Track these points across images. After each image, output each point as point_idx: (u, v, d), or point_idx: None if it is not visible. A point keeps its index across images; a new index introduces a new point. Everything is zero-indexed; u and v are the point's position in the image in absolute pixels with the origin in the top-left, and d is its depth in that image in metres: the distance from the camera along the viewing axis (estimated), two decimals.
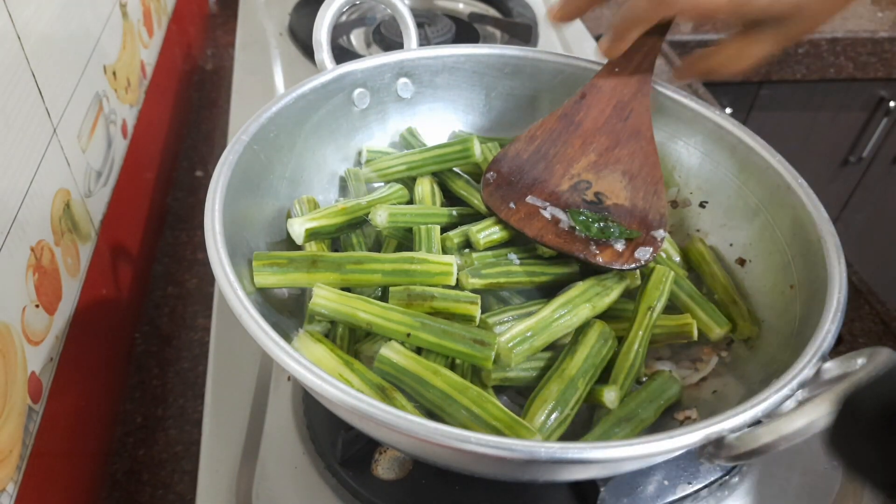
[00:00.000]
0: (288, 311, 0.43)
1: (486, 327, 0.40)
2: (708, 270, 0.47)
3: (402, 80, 0.53)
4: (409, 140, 0.54)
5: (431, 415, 0.36)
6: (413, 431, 0.28)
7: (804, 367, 0.33)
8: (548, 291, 0.44)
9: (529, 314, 0.41)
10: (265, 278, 0.40)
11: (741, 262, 0.47)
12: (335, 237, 0.47)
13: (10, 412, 0.38)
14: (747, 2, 0.40)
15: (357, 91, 0.51)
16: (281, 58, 0.79)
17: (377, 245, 0.49)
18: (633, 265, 0.42)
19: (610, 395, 0.39)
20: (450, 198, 0.51)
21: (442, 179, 0.52)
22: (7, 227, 0.39)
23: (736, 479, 0.41)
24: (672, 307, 0.45)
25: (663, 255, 0.48)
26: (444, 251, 0.45)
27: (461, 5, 0.91)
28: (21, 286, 0.41)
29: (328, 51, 0.51)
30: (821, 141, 1.16)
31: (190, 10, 0.95)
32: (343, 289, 0.41)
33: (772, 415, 0.31)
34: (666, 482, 0.40)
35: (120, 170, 0.61)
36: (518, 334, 0.39)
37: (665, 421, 0.40)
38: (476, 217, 0.48)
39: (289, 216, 0.46)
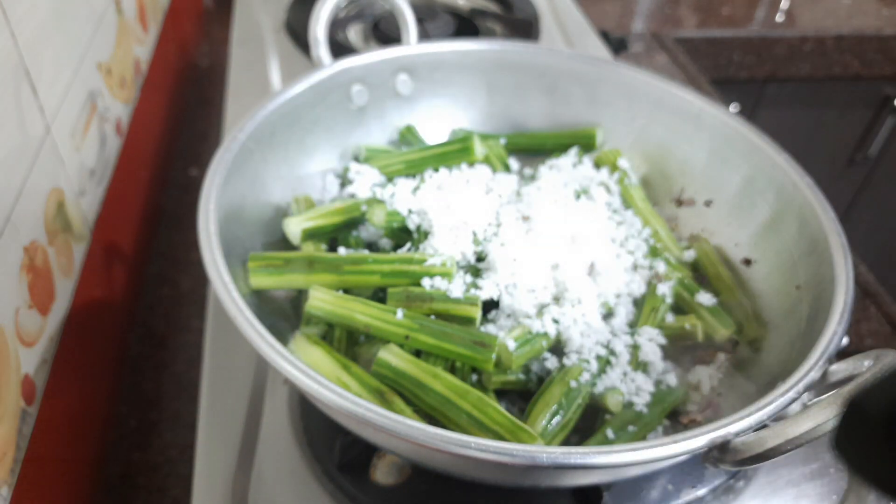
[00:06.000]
0: (284, 313, 0.42)
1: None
2: (713, 270, 0.46)
3: (402, 76, 0.53)
4: (408, 138, 0.54)
5: (431, 419, 0.35)
6: (412, 436, 0.28)
7: (810, 370, 0.32)
8: None
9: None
10: (261, 280, 0.39)
11: (747, 261, 0.46)
12: (332, 237, 0.46)
13: (4, 414, 0.38)
14: None
15: (355, 87, 0.51)
16: (277, 54, 0.78)
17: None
18: None
19: (613, 399, 0.38)
20: None
21: None
22: (0, 227, 0.39)
23: (741, 483, 0.40)
24: (677, 308, 0.44)
25: (668, 257, 0.47)
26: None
27: (461, 1, 0.90)
28: (14, 287, 0.40)
29: (325, 46, 0.50)
30: (827, 139, 1.15)
31: (185, 5, 0.94)
32: (341, 290, 0.40)
33: (778, 418, 0.30)
34: (670, 487, 0.39)
35: (114, 168, 0.60)
36: (520, 336, 0.38)
37: (669, 425, 0.39)
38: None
39: (285, 216, 0.46)
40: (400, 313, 0.38)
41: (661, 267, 0.45)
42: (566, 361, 0.39)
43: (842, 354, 0.34)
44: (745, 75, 1.04)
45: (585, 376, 0.38)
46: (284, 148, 0.46)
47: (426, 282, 0.41)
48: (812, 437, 0.28)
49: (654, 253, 0.47)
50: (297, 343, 0.38)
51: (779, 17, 1.05)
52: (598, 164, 0.53)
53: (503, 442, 0.28)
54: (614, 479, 0.37)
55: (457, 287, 0.41)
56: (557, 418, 0.36)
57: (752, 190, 0.46)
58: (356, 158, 0.53)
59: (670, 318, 0.44)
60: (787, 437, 0.28)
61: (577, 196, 0.49)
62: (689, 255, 0.48)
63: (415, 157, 0.51)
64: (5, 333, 0.38)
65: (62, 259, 0.47)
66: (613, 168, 0.52)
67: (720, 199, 0.49)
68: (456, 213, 0.46)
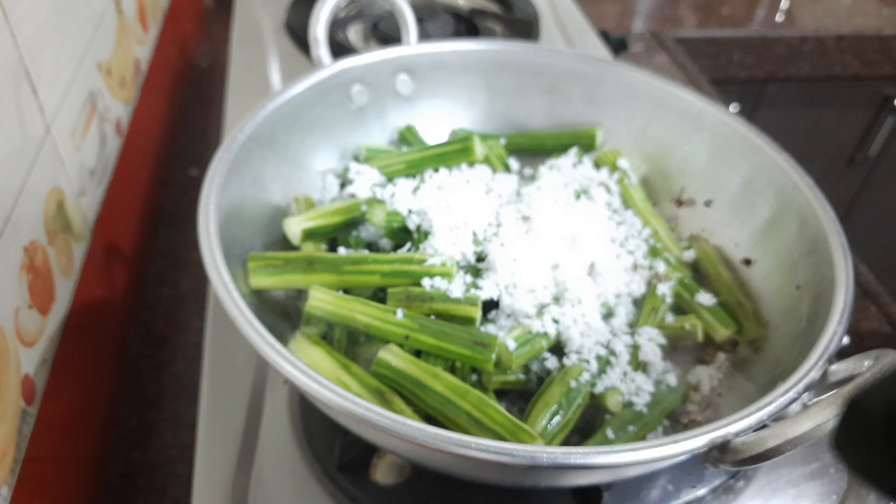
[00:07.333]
0: (284, 313, 0.42)
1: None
2: (713, 270, 0.46)
3: (402, 76, 0.53)
4: (408, 138, 0.54)
5: (431, 419, 0.35)
6: (412, 436, 0.28)
7: (810, 370, 0.32)
8: None
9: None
10: (261, 280, 0.39)
11: (747, 261, 0.46)
12: (332, 237, 0.46)
13: (4, 414, 0.38)
14: None
15: (355, 87, 0.51)
16: (277, 54, 0.78)
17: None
18: None
19: (613, 399, 0.38)
20: None
21: None
22: (0, 227, 0.39)
23: (741, 483, 0.40)
24: (677, 308, 0.44)
25: (668, 257, 0.47)
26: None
27: (461, 1, 0.90)
28: (14, 287, 0.40)
29: (325, 46, 0.50)
30: (827, 139, 1.15)
31: (185, 5, 0.94)
32: (341, 290, 0.40)
33: (778, 418, 0.30)
34: (670, 487, 0.39)
35: (114, 168, 0.60)
36: (520, 336, 0.38)
37: (669, 425, 0.39)
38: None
39: (285, 216, 0.46)
40: (400, 313, 0.38)
41: (661, 267, 0.45)
42: (566, 361, 0.39)
43: (842, 354, 0.34)
44: (745, 75, 1.04)
45: (585, 376, 0.38)
46: (284, 148, 0.46)
47: (426, 282, 0.41)
48: (812, 437, 0.28)
49: (654, 253, 0.47)
50: (297, 343, 0.38)
51: (779, 17, 1.05)
52: (598, 165, 0.52)
53: (503, 442, 0.28)
54: (614, 479, 0.37)
55: (457, 287, 0.41)
56: (557, 418, 0.36)
57: (752, 190, 0.46)
58: (356, 158, 0.53)
59: (670, 318, 0.44)
60: (787, 437, 0.28)
61: (577, 196, 0.49)
62: (689, 255, 0.48)
63: (415, 157, 0.51)
64: (5, 333, 0.38)
65: (62, 259, 0.47)
66: (613, 168, 0.52)
67: (720, 199, 0.49)
68: (456, 213, 0.46)
